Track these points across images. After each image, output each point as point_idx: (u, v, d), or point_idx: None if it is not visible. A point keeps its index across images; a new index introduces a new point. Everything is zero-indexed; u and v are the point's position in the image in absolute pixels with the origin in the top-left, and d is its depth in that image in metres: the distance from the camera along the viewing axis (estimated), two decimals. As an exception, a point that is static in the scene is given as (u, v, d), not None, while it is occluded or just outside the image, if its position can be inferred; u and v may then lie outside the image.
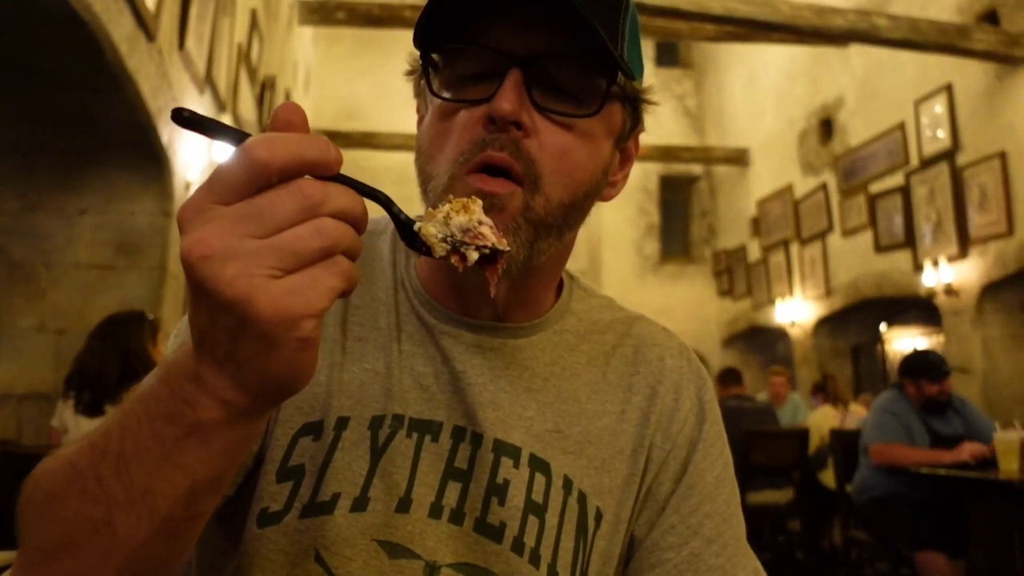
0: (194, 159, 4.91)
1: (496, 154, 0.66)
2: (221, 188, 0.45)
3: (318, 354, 0.47)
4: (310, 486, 0.70)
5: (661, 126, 12.96)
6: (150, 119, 4.07)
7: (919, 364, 4.10)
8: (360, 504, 0.70)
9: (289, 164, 0.44)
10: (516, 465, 0.74)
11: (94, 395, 3.04)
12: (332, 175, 0.47)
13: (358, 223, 0.47)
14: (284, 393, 0.48)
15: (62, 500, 0.52)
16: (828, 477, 5.07)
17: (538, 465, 0.75)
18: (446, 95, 0.70)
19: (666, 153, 12.08)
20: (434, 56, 0.71)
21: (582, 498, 0.76)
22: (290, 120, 0.46)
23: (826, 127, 10.09)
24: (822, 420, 5.76)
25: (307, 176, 0.45)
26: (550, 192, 0.68)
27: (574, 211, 0.72)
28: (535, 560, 0.72)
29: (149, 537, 0.50)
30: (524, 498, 0.73)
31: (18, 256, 4.38)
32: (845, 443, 4.48)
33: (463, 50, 0.69)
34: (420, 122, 0.77)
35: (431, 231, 0.53)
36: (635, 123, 0.78)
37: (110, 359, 3.07)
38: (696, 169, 13.34)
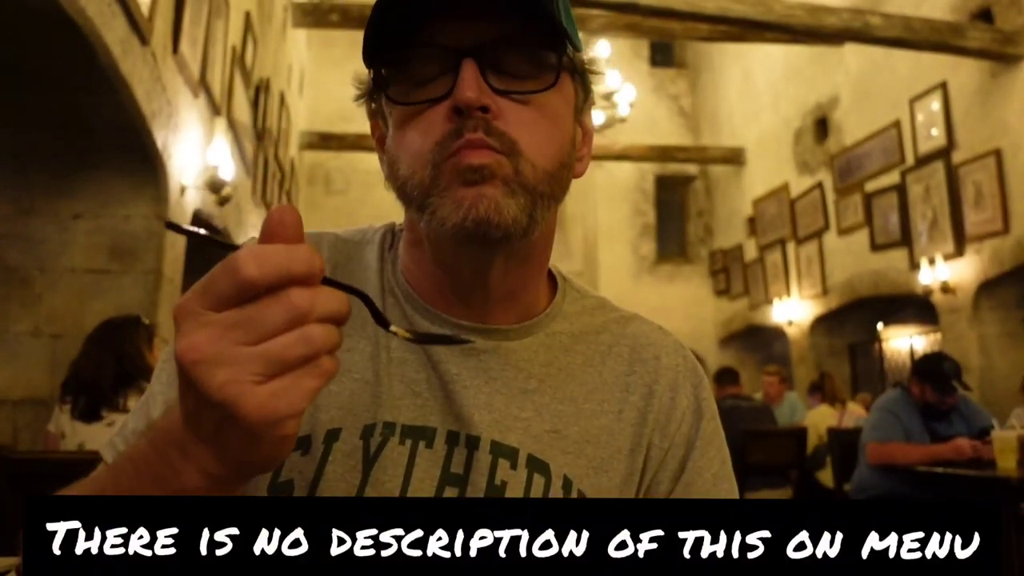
0: (189, 164, 4.90)
1: (472, 136, 0.67)
2: (212, 296, 0.48)
3: None
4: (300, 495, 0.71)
5: (656, 126, 13.06)
6: (144, 123, 4.06)
7: (929, 370, 4.03)
8: None
9: (276, 280, 0.47)
10: (514, 466, 0.74)
11: (90, 400, 3.03)
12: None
13: (343, 321, 0.50)
14: (264, 470, 0.53)
15: None
16: (826, 476, 5.07)
17: (537, 466, 0.75)
18: (405, 100, 0.71)
19: (662, 153, 12.10)
20: (384, 71, 0.73)
21: (582, 496, 0.77)
22: (283, 221, 0.49)
23: (821, 126, 10.11)
24: (820, 419, 5.76)
25: (294, 287, 0.48)
26: (532, 158, 0.70)
27: (557, 180, 0.73)
28: None
29: None
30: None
31: (12, 261, 4.36)
32: (843, 442, 4.48)
33: (412, 55, 0.70)
34: (380, 141, 0.78)
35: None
36: (587, 94, 0.79)
37: (106, 364, 3.06)
38: (692, 169, 13.36)
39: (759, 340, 12.00)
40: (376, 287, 0.80)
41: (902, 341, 10.00)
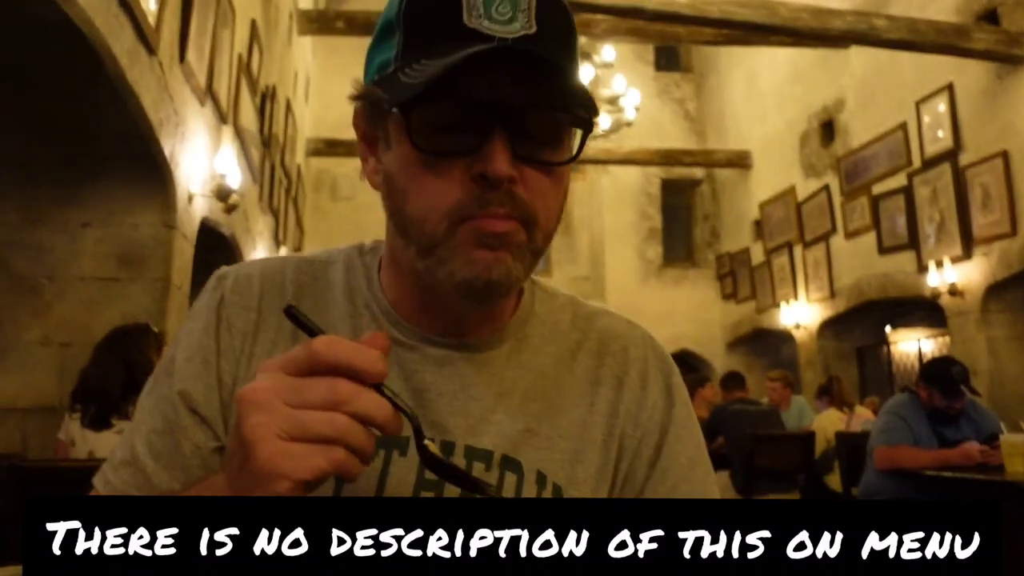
0: (196, 172, 4.92)
1: (498, 209, 0.69)
2: (289, 360, 0.56)
3: None
4: None
5: (662, 130, 13.07)
6: (151, 132, 4.08)
7: (937, 374, 4.00)
8: None
9: (335, 364, 0.55)
10: (488, 468, 0.76)
11: (99, 408, 3.04)
12: (374, 383, 0.55)
13: (380, 428, 0.55)
14: None
15: None
16: (834, 480, 5.05)
17: (509, 464, 0.77)
18: (427, 147, 0.70)
19: (667, 157, 12.10)
20: (412, 113, 0.71)
21: (557, 490, 0.78)
22: (373, 342, 0.57)
23: (827, 129, 10.09)
24: (827, 423, 5.74)
25: (344, 378, 0.55)
26: (544, 226, 0.73)
27: (553, 235, 0.76)
28: None
29: None
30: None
31: (21, 270, 4.38)
32: (851, 446, 4.46)
33: (443, 103, 0.70)
34: (369, 145, 0.78)
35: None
36: (583, 141, 0.80)
37: (115, 372, 3.08)
38: (698, 173, 13.36)
39: (766, 344, 11.98)
40: (343, 304, 0.82)
41: (910, 344, 9.97)
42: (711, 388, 6.89)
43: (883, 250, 8.77)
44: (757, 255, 11.66)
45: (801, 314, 10.37)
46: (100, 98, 3.75)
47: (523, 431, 0.78)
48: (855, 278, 9.33)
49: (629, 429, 0.83)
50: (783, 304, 10.75)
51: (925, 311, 8.79)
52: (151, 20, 3.85)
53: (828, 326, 10.10)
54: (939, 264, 7.73)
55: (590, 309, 0.92)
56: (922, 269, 8.05)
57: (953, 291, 7.54)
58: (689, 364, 12.70)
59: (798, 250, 10.56)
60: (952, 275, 7.55)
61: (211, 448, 0.76)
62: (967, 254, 7.47)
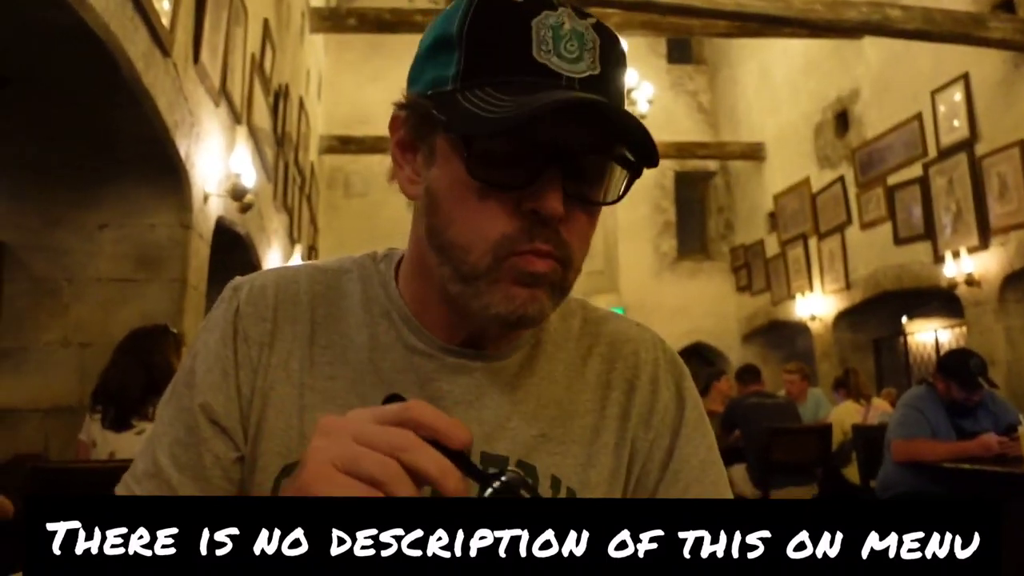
0: (211, 172, 4.96)
1: (543, 246, 0.70)
2: (379, 411, 0.57)
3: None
4: None
5: (675, 123, 13.02)
6: (167, 133, 4.11)
7: (954, 366, 3.98)
8: None
9: (422, 421, 0.56)
10: None
11: (120, 410, 3.08)
12: (455, 450, 0.56)
13: (434, 484, 0.55)
14: None
15: None
16: (852, 473, 5.04)
17: (524, 469, 0.78)
18: (481, 175, 0.70)
19: (681, 149, 12.06)
20: (473, 141, 0.70)
21: (571, 494, 0.79)
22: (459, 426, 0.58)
23: (842, 120, 10.03)
24: (844, 415, 5.72)
25: (413, 432, 0.56)
26: (578, 266, 0.75)
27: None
28: None
29: None
30: None
31: (40, 272, 4.43)
32: (868, 438, 4.45)
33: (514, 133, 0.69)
34: (406, 152, 0.77)
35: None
36: (630, 184, 0.80)
37: (134, 373, 3.11)
38: (712, 165, 13.31)
39: (782, 336, 11.93)
40: (360, 314, 0.83)
41: (927, 335, 9.90)
42: (726, 381, 6.87)
43: (899, 241, 8.71)
44: (772, 247, 11.61)
45: (817, 306, 10.32)
46: (116, 101, 3.79)
47: (537, 436, 0.79)
48: (871, 269, 9.27)
49: (641, 432, 0.84)
50: (798, 296, 10.70)
51: (942, 301, 8.73)
52: (165, 21, 3.88)
53: (844, 317, 10.05)
54: (956, 254, 7.67)
55: (600, 314, 0.92)
56: (938, 259, 7.99)
57: (970, 281, 7.49)
58: (704, 357, 12.67)
59: (813, 242, 10.51)
60: (969, 265, 7.50)
61: (232, 459, 0.77)
62: (984, 244, 7.41)
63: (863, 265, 9.45)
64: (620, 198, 0.75)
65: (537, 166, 0.68)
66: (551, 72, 0.68)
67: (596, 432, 0.82)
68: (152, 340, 3.26)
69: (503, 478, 0.58)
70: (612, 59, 0.72)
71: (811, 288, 10.49)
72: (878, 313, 9.85)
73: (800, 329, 10.99)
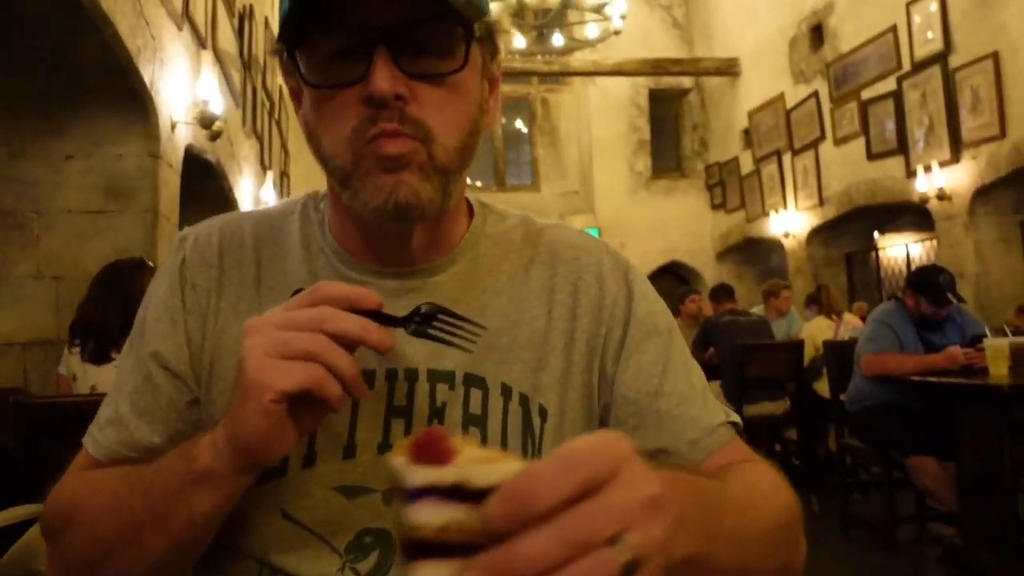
0: (178, 99, 4.83)
1: (387, 125, 0.71)
2: (293, 300, 0.65)
3: (280, 424, 0.62)
4: None
5: (649, 39, 12.79)
6: (130, 60, 4.00)
7: (924, 282, 4.06)
8: (309, 460, 0.76)
9: (332, 296, 0.63)
10: (452, 387, 0.79)
11: (99, 343, 3.07)
12: (369, 310, 0.64)
13: (361, 343, 0.63)
14: (254, 453, 0.64)
15: (104, 521, 0.72)
16: (823, 387, 5.17)
17: (473, 381, 0.80)
18: (318, 81, 0.73)
19: (655, 66, 11.91)
20: (297, 50, 0.74)
21: (524, 399, 0.81)
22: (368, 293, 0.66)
23: (817, 33, 9.92)
24: (816, 331, 5.83)
25: (328, 305, 0.63)
26: (444, 141, 0.74)
27: (466, 151, 0.77)
28: None
29: (166, 549, 0.70)
30: (461, 413, 0.79)
31: (8, 204, 4.35)
32: (839, 354, 4.55)
33: (323, 36, 0.71)
34: (295, 98, 0.81)
35: None
36: (494, 52, 0.81)
37: (112, 307, 3.09)
38: (686, 82, 13.16)
39: (756, 253, 12.04)
40: (299, 253, 0.85)
41: (898, 249, 10.04)
42: (693, 302, 6.96)
43: (872, 156, 8.75)
44: (746, 164, 11.61)
45: (791, 222, 10.40)
46: (76, 28, 3.67)
47: (483, 347, 0.79)
48: (844, 185, 9.32)
49: (593, 329, 0.85)
50: (772, 213, 10.76)
51: (913, 216, 8.84)
52: (121, -57, 3.73)
53: (817, 233, 10.14)
54: (927, 169, 7.73)
55: (541, 224, 0.93)
56: (911, 174, 8.05)
57: (941, 195, 7.56)
58: (679, 276, 12.78)
59: (787, 158, 10.51)
60: (940, 179, 7.56)
61: (185, 401, 0.80)
62: (955, 158, 7.46)
63: (836, 181, 9.49)
64: (464, 64, 0.74)
65: (365, 54, 0.70)
66: None
67: (544, 336, 0.83)
68: (128, 273, 3.24)
69: (421, 311, 0.66)
70: None
71: (785, 205, 10.55)
72: (851, 228, 9.95)
73: (774, 246, 11.10)
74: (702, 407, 0.83)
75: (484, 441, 0.78)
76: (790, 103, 10.39)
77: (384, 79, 0.69)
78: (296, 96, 0.80)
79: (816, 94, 9.79)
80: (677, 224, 12.60)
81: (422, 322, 0.66)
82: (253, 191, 7.99)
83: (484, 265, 0.86)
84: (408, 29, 0.70)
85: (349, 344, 0.62)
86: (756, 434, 5.42)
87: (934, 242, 8.46)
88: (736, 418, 0.86)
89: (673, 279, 12.50)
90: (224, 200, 6.74)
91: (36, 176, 4.36)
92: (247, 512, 0.75)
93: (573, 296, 0.86)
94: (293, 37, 0.72)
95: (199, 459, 0.65)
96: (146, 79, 4.25)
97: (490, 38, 0.79)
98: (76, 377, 3.09)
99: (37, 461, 2.22)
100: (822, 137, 9.72)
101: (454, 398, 0.79)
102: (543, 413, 0.81)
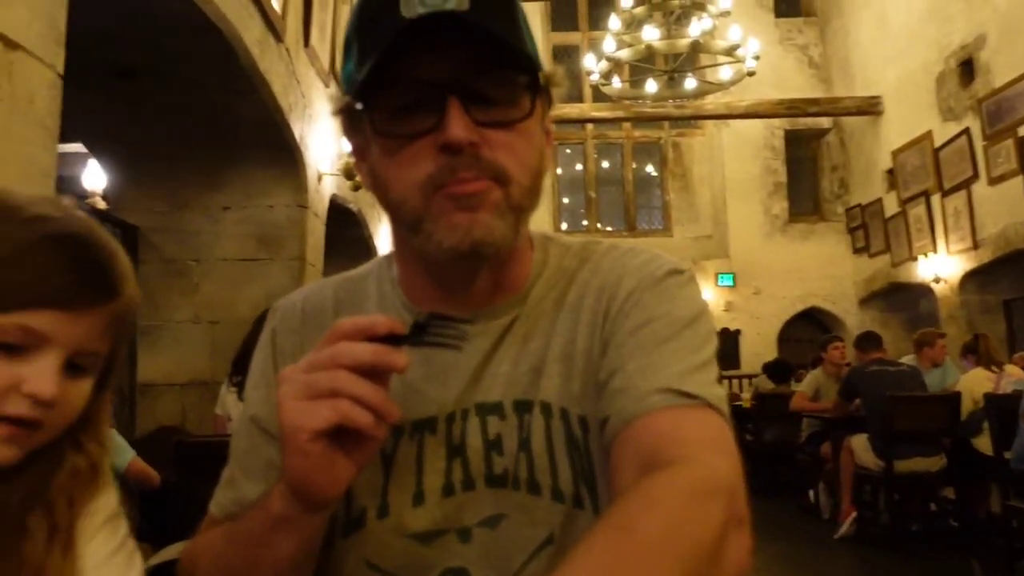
0: (324, 153, 5.09)
1: (466, 174, 0.73)
2: (320, 341, 0.66)
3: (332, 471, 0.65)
4: (342, 507, 0.81)
5: (784, 79, 12.57)
6: (283, 116, 4.25)
7: None
8: (383, 511, 0.81)
9: (345, 332, 0.65)
10: (502, 417, 0.81)
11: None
12: (386, 335, 0.65)
13: (375, 367, 0.63)
14: (309, 492, 0.67)
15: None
16: (983, 443, 4.82)
17: (520, 407, 0.81)
18: (392, 132, 0.75)
19: (791, 107, 11.62)
20: (368, 104, 0.76)
21: (564, 414, 0.80)
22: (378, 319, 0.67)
23: (966, 68, 9.43)
24: (974, 383, 5.45)
25: (344, 341, 0.64)
26: (518, 179, 0.76)
27: (535, 193, 0.79)
28: (534, 488, 0.79)
29: None
30: (516, 441, 0.80)
31: (171, 253, 4.68)
32: (1001, 408, 4.25)
33: (395, 90, 0.74)
34: (359, 153, 0.83)
35: None
36: (549, 104, 0.84)
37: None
38: (824, 122, 12.78)
39: (903, 299, 11.43)
40: (375, 310, 0.87)
41: (1065, 295, 9.31)
42: (836, 349, 6.66)
43: (1032, 195, 8.18)
44: (891, 206, 11.09)
45: (941, 266, 9.82)
46: (235, 88, 3.93)
47: (526, 372, 0.82)
48: (1001, 226, 8.75)
49: (609, 327, 0.80)
50: (921, 257, 10.21)
51: (1081, 259, 8.18)
52: (277, 7, 3.99)
53: (971, 278, 9.53)
54: (1097, 209, 7.16)
55: (605, 246, 0.89)
56: (1078, 215, 7.47)
57: (1114, 237, 6.98)
58: (820, 322, 12.30)
59: (936, 199, 9.98)
60: (1113, 220, 6.99)
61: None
62: None
63: (992, 222, 8.92)
64: (531, 111, 0.76)
65: (438, 105, 0.72)
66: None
67: (572, 344, 0.82)
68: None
69: (419, 322, 0.68)
70: None
71: (935, 248, 9.99)
72: (1009, 273, 9.30)
73: (923, 291, 10.50)
74: (660, 379, 0.73)
75: (531, 463, 0.80)
76: (938, 141, 9.89)
77: (459, 128, 0.72)
78: (359, 152, 0.83)
79: (967, 131, 9.28)
80: (816, 269, 12.16)
81: (419, 332, 0.68)
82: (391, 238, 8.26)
83: (543, 308, 0.85)
84: (475, 79, 0.73)
85: (370, 373, 0.63)
86: (909, 492, 5.10)
87: (1107, 287, 7.80)
88: (711, 396, 0.73)
89: (813, 326, 12.03)
90: (364, 248, 7.02)
91: (196, 226, 4.68)
92: (338, 564, 0.81)
93: (598, 300, 0.84)
94: (364, 93, 0.75)
95: (273, 506, 0.70)
96: (296, 134, 4.50)
97: (547, 90, 0.81)
98: (231, 418, 3.24)
99: (196, 497, 2.34)
100: (975, 176, 9.19)
101: (507, 427, 0.81)
102: (583, 424, 0.80)
